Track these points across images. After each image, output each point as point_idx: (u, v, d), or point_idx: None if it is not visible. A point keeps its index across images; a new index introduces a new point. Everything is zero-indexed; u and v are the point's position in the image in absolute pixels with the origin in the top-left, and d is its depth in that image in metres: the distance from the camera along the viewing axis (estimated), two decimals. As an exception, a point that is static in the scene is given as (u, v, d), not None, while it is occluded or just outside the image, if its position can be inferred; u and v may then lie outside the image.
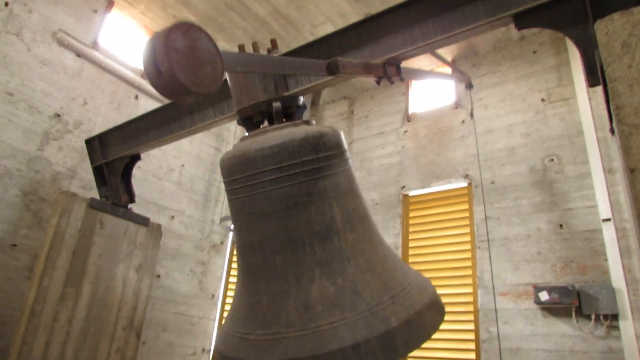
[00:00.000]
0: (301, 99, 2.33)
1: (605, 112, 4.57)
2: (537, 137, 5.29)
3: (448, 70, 6.17)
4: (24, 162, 4.58)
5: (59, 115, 4.94)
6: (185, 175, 6.37)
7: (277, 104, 2.08)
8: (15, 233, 4.41)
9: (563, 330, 4.45)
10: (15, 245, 4.39)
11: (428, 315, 1.45)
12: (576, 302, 4.37)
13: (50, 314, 3.85)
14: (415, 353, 5.26)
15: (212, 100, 3.34)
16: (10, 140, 4.51)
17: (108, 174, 4.37)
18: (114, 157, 4.29)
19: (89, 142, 4.50)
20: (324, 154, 1.78)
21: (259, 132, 1.95)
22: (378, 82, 2.56)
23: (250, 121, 2.24)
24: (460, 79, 5.21)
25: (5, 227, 4.34)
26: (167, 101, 6.00)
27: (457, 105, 6.15)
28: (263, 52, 2.22)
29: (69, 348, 3.93)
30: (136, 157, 4.36)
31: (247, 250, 1.79)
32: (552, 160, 5.07)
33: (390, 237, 5.98)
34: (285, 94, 2.19)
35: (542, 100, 5.43)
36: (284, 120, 2.10)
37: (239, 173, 1.81)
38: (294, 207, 1.69)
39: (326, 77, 2.41)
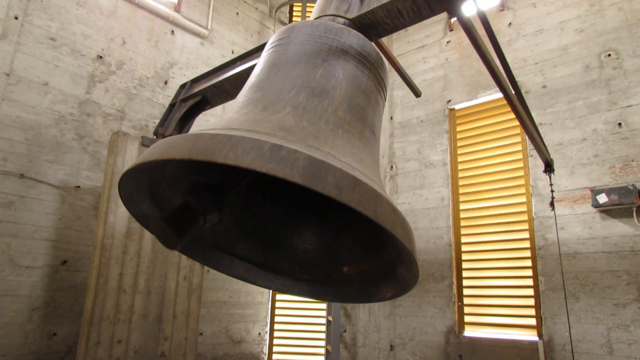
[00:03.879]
0: None
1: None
2: (592, 32, 4.94)
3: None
4: (75, 106, 4.71)
5: (101, 57, 5.00)
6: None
7: None
8: (77, 175, 4.63)
9: (623, 231, 4.37)
10: (79, 186, 4.62)
11: (381, 206, 1.07)
12: (637, 201, 4.25)
13: (119, 248, 4.09)
14: (470, 265, 5.33)
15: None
16: (60, 85, 4.63)
17: (175, 110, 4.27)
18: (188, 94, 4.17)
19: (182, 86, 4.38)
20: (358, 50, 1.69)
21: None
22: None
23: None
24: None
25: (67, 170, 4.56)
26: (203, 35, 5.93)
27: (503, 7, 5.77)
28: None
29: (141, 278, 4.20)
30: (206, 101, 4.08)
31: (249, 93, 1.62)
32: (609, 55, 4.76)
33: (437, 153, 5.90)
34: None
35: (598, -10, 5.02)
36: None
37: (276, 38, 1.77)
38: (305, 63, 1.57)
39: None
